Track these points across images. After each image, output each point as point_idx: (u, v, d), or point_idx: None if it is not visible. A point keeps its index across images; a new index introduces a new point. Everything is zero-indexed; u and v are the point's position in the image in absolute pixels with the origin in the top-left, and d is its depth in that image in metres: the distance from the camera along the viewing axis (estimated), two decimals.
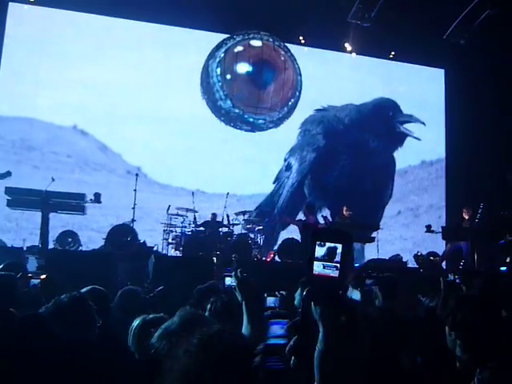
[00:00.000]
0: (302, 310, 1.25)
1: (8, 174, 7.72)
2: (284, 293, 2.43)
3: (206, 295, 3.06)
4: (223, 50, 11.51)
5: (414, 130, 12.31)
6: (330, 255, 1.25)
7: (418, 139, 12.27)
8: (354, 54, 12.04)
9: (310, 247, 1.27)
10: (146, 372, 1.83)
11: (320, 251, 1.26)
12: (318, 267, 1.26)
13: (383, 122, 12.26)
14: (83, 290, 2.98)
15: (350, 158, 11.96)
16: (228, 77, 11.44)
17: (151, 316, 2.48)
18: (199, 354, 1.31)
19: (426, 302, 3.55)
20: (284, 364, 1.29)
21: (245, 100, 11.44)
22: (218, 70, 11.43)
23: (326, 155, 11.89)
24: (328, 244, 1.25)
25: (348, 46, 11.81)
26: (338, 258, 1.25)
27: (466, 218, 9.68)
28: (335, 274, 1.25)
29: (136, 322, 2.45)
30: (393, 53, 12.15)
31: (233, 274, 2.53)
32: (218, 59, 11.47)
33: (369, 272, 3.41)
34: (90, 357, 1.92)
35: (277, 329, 1.33)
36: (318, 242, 1.26)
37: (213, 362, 1.29)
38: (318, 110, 12.07)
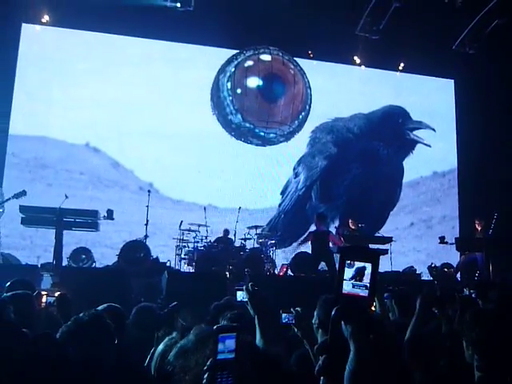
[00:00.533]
0: (332, 329, 1.24)
1: (23, 193, 7.80)
2: (299, 309, 2.42)
3: (223, 311, 3.05)
4: (233, 64, 11.60)
5: (425, 139, 12.30)
6: (359, 276, 1.25)
7: (429, 146, 12.24)
8: (363, 67, 12.09)
9: (339, 266, 1.26)
10: None
11: (348, 272, 1.25)
12: (347, 286, 1.25)
13: (393, 130, 12.25)
14: (100, 307, 2.99)
15: (361, 166, 11.94)
16: (238, 91, 11.51)
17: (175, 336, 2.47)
18: None
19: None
20: (233, 379, 1.28)
21: (255, 114, 11.49)
22: (229, 84, 11.51)
23: (336, 163, 11.89)
24: (357, 264, 1.25)
25: (357, 59, 11.87)
26: (367, 278, 1.25)
27: (479, 229, 9.60)
28: (365, 293, 1.24)
29: (161, 347, 2.44)
30: (402, 64, 12.16)
31: (244, 288, 2.52)
32: (228, 74, 11.55)
33: (385, 285, 3.37)
34: (103, 379, 1.92)
35: (226, 343, 1.32)
36: (347, 262, 1.26)
37: None
38: (325, 123, 12.10)
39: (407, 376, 2.02)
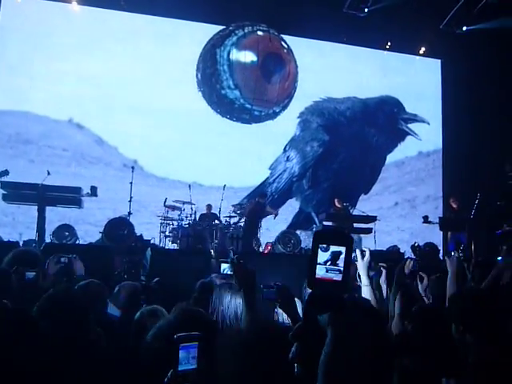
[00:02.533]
0: (305, 316, 1.22)
1: (5, 172, 7.63)
2: (280, 283, 2.39)
3: (209, 289, 3.02)
4: (234, 38, 11.45)
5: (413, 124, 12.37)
6: (334, 260, 1.22)
7: (419, 139, 12.33)
8: (350, 45, 12.00)
9: (312, 250, 1.23)
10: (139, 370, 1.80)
11: (323, 256, 1.22)
12: (320, 271, 1.22)
13: (387, 117, 12.25)
14: (81, 283, 2.96)
15: (350, 151, 11.94)
16: (238, 66, 11.39)
17: (148, 308, 2.45)
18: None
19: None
20: None
21: (252, 91, 11.41)
22: (230, 57, 11.38)
23: (327, 148, 11.90)
24: (332, 248, 1.22)
25: (344, 37, 11.76)
26: (341, 261, 1.22)
27: (455, 206, 9.71)
28: (338, 277, 1.21)
29: (136, 316, 2.42)
30: (389, 43, 12.09)
31: (229, 260, 2.48)
32: (228, 48, 11.40)
33: (371, 263, 3.37)
34: (82, 355, 1.89)
35: (187, 353, 1.25)
36: (321, 246, 1.23)
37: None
38: (316, 102, 12.03)
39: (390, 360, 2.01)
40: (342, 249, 1.22)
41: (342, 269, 1.21)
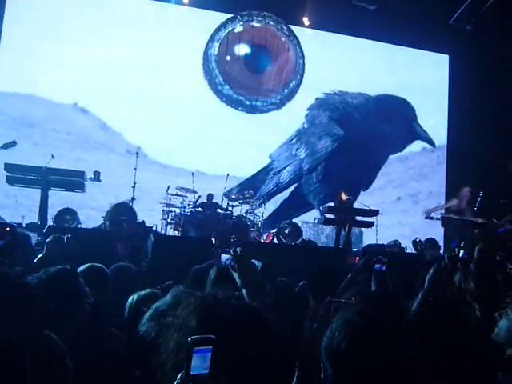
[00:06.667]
0: None
1: (13, 143, 7.59)
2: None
3: (203, 275, 3.00)
4: (223, 32, 11.35)
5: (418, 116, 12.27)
6: None
7: (434, 146, 12.28)
8: (357, 38, 11.92)
9: None
10: (133, 354, 1.78)
11: None
12: None
13: (404, 116, 12.11)
14: (82, 266, 2.96)
15: (360, 147, 11.77)
16: (228, 58, 11.32)
17: (144, 292, 2.43)
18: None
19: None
20: None
21: (244, 84, 11.33)
22: (217, 52, 11.29)
23: (341, 143, 11.82)
24: None
25: (352, 29, 11.66)
26: None
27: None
28: None
29: (131, 300, 2.41)
30: (396, 37, 11.98)
31: (231, 250, 2.17)
32: (216, 42, 11.32)
33: (379, 257, 3.35)
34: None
35: (200, 357, 1.19)
36: None
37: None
38: (327, 94, 11.95)
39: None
40: None
41: None
